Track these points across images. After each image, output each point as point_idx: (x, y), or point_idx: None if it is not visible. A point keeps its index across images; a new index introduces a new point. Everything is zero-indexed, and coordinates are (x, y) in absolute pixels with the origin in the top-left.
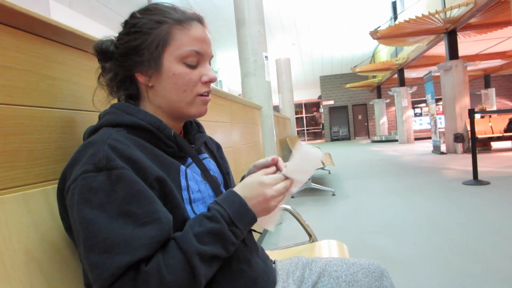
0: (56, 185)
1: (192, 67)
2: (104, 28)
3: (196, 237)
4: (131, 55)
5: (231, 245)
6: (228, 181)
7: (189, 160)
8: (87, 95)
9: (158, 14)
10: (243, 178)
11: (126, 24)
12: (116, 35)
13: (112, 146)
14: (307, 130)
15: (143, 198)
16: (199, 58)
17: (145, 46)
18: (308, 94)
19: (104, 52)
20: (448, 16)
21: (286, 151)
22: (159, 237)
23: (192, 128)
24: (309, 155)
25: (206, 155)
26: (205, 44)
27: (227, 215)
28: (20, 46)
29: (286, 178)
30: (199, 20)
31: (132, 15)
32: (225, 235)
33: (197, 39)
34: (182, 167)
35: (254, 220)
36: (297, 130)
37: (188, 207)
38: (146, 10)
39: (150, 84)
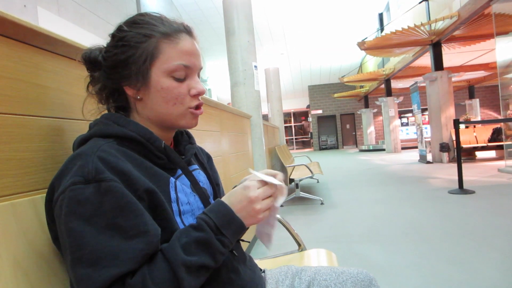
0: (44, 195)
1: (180, 80)
2: (92, 35)
3: (182, 248)
4: (118, 68)
5: (219, 254)
6: (217, 193)
7: (179, 171)
8: (77, 104)
9: (145, 27)
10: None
11: (113, 37)
12: (105, 43)
13: (101, 158)
14: (295, 139)
15: (132, 211)
16: (187, 71)
17: (132, 60)
18: (296, 103)
19: (92, 61)
20: (433, 28)
21: (275, 160)
22: (147, 250)
23: (182, 139)
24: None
25: (196, 166)
26: (193, 57)
27: (213, 223)
28: (11, 55)
29: (266, 183)
30: (188, 31)
31: (119, 28)
32: (212, 244)
33: (185, 52)
34: (172, 179)
35: (241, 227)
36: (286, 139)
37: (178, 219)
38: (134, 23)
39: (138, 97)
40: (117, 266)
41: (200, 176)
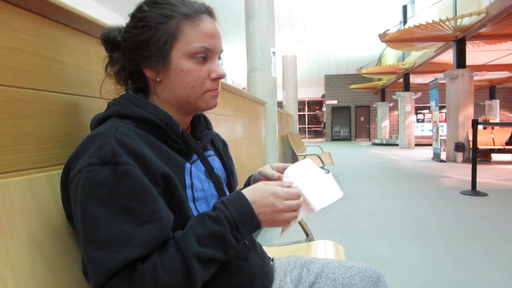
0: (61, 171)
1: (201, 63)
2: (112, 13)
3: (196, 238)
4: (138, 50)
5: (231, 249)
6: (231, 180)
7: (194, 156)
8: (95, 82)
9: (166, 7)
10: (249, 178)
11: (133, 17)
12: (124, 21)
13: (119, 140)
14: (308, 128)
15: (146, 196)
16: (208, 54)
17: (153, 41)
18: (311, 92)
19: (111, 42)
20: (458, 24)
21: (286, 148)
22: (159, 237)
23: (200, 124)
24: (330, 184)
25: (211, 152)
26: (214, 39)
27: (232, 218)
28: (31, 29)
29: (300, 196)
30: (209, 12)
31: (139, 8)
32: (227, 238)
33: (206, 34)
34: (187, 165)
35: (258, 227)
36: (299, 128)
37: (191, 205)
38: (154, 3)
39: (158, 79)
40: (128, 251)
41: (215, 162)
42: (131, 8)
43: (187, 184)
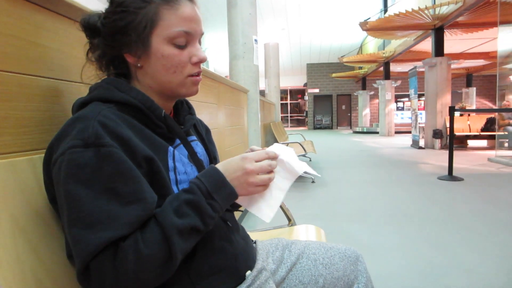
0: (43, 155)
1: (181, 47)
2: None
3: (174, 211)
4: (118, 35)
5: (208, 218)
6: None
7: (177, 141)
8: (77, 66)
9: None
10: None
11: (112, 2)
12: (104, 7)
13: (101, 123)
14: (290, 116)
15: (130, 177)
16: (188, 38)
17: (132, 26)
18: (294, 81)
19: (91, 28)
20: (437, 12)
21: (269, 136)
22: (143, 216)
23: (183, 109)
24: (295, 160)
25: (194, 137)
26: (194, 23)
27: (204, 187)
28: (11, 11)
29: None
30: None
31: None
32: (202, 206)
33: (186, 18)
34: (170, 148)
35: (232, 194)
36: (281, 116)
37: (174, 188)
38: None
39: (139, 65)
40: (113, 230)
41: (198, 147)
42: None
43: (170, 167)
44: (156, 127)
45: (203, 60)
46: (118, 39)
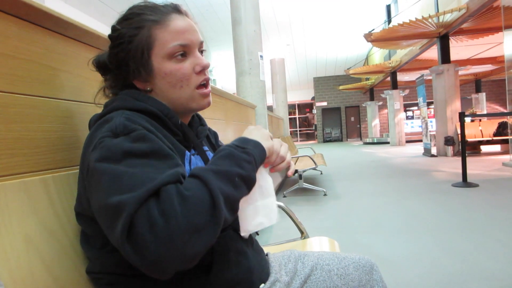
0: (55, 174)
1: (182, 60)
2: (98, 23)
3: (208, 165)
4: (122, 66)
5: (244, 162)
6: None
7: (192, 151)
8: (87, 87)
9: (135, 19)
10: None
11: (110, 38)
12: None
13: (128, 119)
14: (299, 130)
15: (164, 155)
16: (186, 49)
17: (131, 55)
18: (301, 95)
19: (102, 66)
20: (441, 20)
21: None
22: (182, 175)
23: (194, 122)
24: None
25: (206, 147)
26: (188, 33)
27: (233, 144)
28: (22, 36)
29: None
30: (176, 9)
31: (113, 28)
32: (236, 155)
33: (178, 31)
34: (187, 153)
35: (258, 144)
36: (290, 131)
37: None
38: (124, 19)
39: (148, 89)
40: (152, 183)
41: (210, 157)
42: (117, 17)
43: (186, 171)
44: (174, 134)
45: (206, 67)
46: (123, 69)
